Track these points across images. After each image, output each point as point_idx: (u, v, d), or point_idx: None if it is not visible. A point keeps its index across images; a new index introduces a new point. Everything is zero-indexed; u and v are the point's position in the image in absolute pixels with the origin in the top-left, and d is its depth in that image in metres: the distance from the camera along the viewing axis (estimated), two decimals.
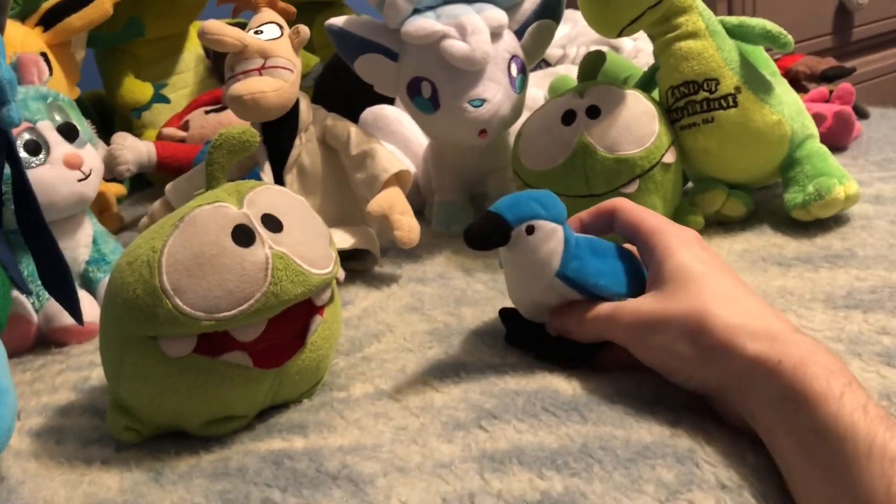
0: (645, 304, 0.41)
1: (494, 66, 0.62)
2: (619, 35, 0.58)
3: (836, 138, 0.74)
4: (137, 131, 0.95)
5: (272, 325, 0.42)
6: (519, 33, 0.65)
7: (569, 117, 0.59)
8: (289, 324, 0.44)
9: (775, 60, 0.74)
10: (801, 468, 0.33)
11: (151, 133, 0.94)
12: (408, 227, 0.60)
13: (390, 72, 0.65)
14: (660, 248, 0.42)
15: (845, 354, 0.43)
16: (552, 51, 1.19)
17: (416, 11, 0.62)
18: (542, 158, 0.60)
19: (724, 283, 0.40)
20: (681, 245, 0.42)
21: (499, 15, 0.63)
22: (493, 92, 0.62)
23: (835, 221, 0.59)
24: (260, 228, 0.42)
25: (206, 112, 0.87)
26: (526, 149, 0.62)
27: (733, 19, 0.59)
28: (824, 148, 0.61)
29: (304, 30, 0.65)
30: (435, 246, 0.67)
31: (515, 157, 0.63)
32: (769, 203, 0.63)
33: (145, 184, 0.95)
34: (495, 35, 0.62)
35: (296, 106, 0.64)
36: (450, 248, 0.67)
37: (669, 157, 0.59)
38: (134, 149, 0.81)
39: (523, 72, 0.65)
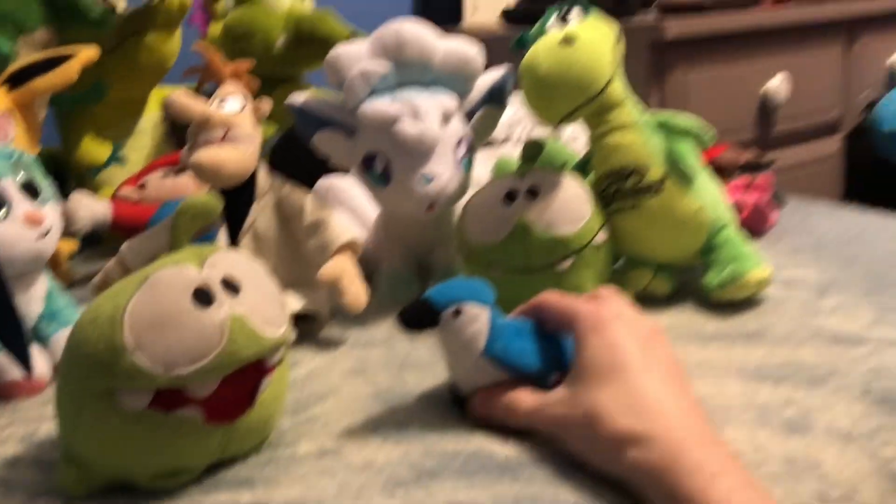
0: (553, 403, 0.45)
1: (443, 147, 0.67)
2: (558, 125, 0.63)
3: (754, 225, 0.81)
4: (92, 190, 0.96)
5: (225, 383, 0.45)
6: (467, 117, 0.70)
7: (510, 197, 0.64)
8: (241, 382, 0.46)
9: (701, 151, 0.81)
10: None
11: (107, 192, 0.96)
12: (356, 293, 0.63)
13: (346, 147, 0.69)
14: (576, 337, 0.46)
15: (754, 422, 0.47)
16: (498, 132, 1.25)
17: (373, 93, 0.67)
18: (484, 234, 0.65)
19: (625, 378, 0.43)
20: (592, 333, 0.45)
21: (449, 100, 0.68)
22: (442, 170, 0.66)
23: (750, 303, 0.65)
24: (219, 291, 0.45)
25: (164, 175, 0.90)
26: (469, 224, 0.66)
27: (660, 115, 0.65)
28: (741, 234, 0.67)
29: (267, 103, 0.69)
30: (381, 312, 0.70)
31: (459, 231, 0.67)
32: (692, 283, 0.68)
33: (96, 241, 0.96)
34: (445, 118, 0.67)
35: (254, 174, 0.67)
36: (395, 315, 0.70)
37: (601, 238, 0.63)
38: (90, 207, 0.82)
39: (470, 153, 0.70)
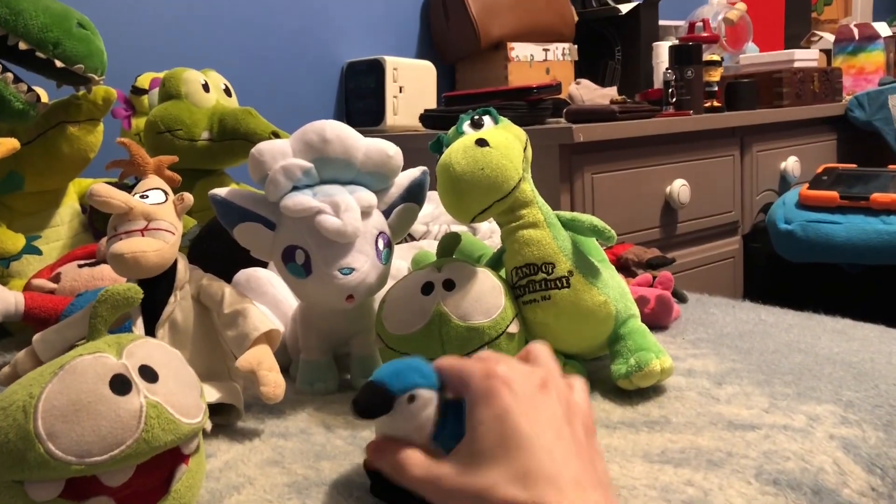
0: (445, 475, 0.44)
1: (363, 240, 0.69)
2: (472, 222, 0.67)
3: (658, 318, 0.85)
4: (4, 280, 0.95)
5: (140, 472, 0.45)
6: (386, 213, 0.73)
7: (427, 288, 0.67)
8: (155, 471, 0.46)
9: (607, 249, 0.86)
10: None
11: (18, 283, 0.94)
12: (273, 383, 0.63)
13: (267, 239, 0.70)
14: (467, 407, 0.46)
15: (657, 500, 0.50)
16: (417, 227, 1.29)
17: (295, 188, 0.69)
18: (402, 324, 0.67)
19: (515, 450, 0.43)
20: (481, 404, 0.45)
21: (369, 196, 0.71)
22: (362, 262, 0.68)
23: (654, 391, 0.68)
24: (137, 378, 0.45)
25: (80, 266, 0.89)
26: (388, 314, 0.68)
27: (567, 214, 0.70)
28: (644, 326, 0.71)
29: (188, 197, 0.70)
30: (298, 402, 0.71)
31: (379, 322, 0.69)
32: (600, 372, 0.71)
33: (4, 333, 0.94)
34: (365, 213, 0.70)
35: (174, 265, 0.68)
36: (312, 405, 0.70)
37: (514, 328, 0.66)
38: (1, 298, 0.81)
39: (389, 246, 0.72)
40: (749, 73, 2.03)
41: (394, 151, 0.73)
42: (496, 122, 0.70)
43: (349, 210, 0.68)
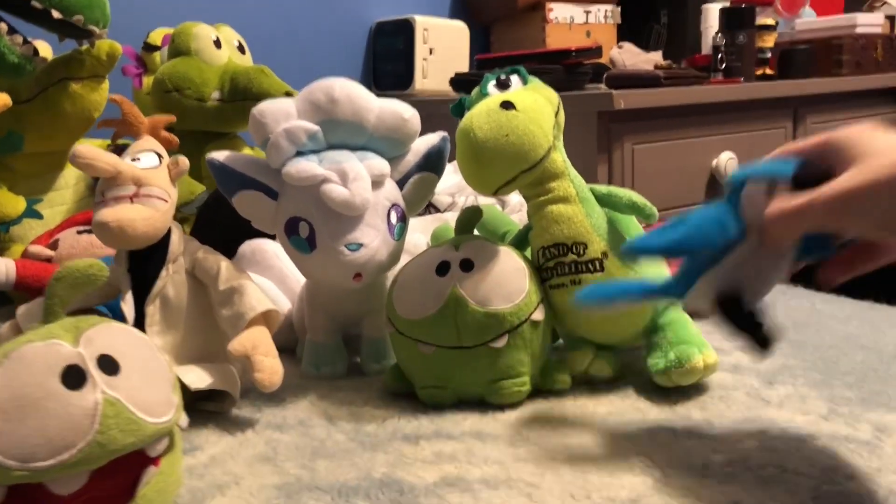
0: (840, 181, 0.40)
1: (374, 213, 0.62)
2: (495, 194, 0.59)
3: None
4: (3, 245, 0.90)
5: (96, 478, 0.39)
6: (401, 183, 0.66)
7: (443, 268, 0.60)
8: (116, 476, 0.40)
9: (646, 226, 0.77)
10: None
11: (18, 248, 0.89)
12: (270, 369, 0.57)
13: (269, 209, 0.64)
14: (841, 146, 0.42)
15: None
16: (442, 198, 1.22)
17: (300, 154, 0.63)
18: (415, 307, 0.60)
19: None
20: (860, 130, 0.42)
21: (381, 164, 0.64)
22: (371, 238, 0.62)
23: (695, 389, 0.61)
24: (94, 370, 0.39)
25: (79, 232, 0.84)
26: (400, 297, 0.61)
27: (602, 188, 0.62)
28: (686, 316, 0.63)
29: (184, 161, 0.64)
30: (301, 388, 0.65)
31: (389, 304, 0.62)
32: (634, 364, 0.64)
33: (6, 300, 0.89)
34: (376, 183, 0.63)
35: (167, 236, 0.62)
36: (316, 393, 0.64)
37: (538, 315, 0.59)
38: None
39: (403, 220, 0.65)
40: (805, 39, 1.90)
41: (410, 114, 0.65)
42: (525, 82, 0.62)
43: (358, 179, 0.61)
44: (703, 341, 0.61)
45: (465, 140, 0.58)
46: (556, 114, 0.61)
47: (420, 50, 1.62)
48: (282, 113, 0.63)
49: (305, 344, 0.70)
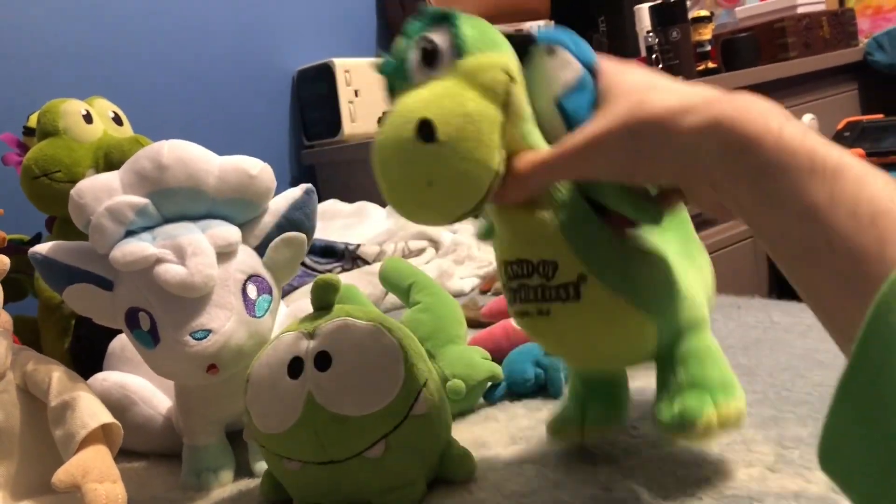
0: (586, 127, 0.39)
1: (223, 290, 0.53)
2: (455, 222, 0.45)
3: None
4: None
5: None
6: (260, 249, 0.57)
7: (295, 367, 0.48)
8: None
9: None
10: (755, 210, 0.34)
11: None
12: (105, 498, 0.48)
13: (104, 302, 0.55)
14: (602, 83, 0.41)
15: None
16: (369, 248, 1.12)
17: (130, 233, 0.54)
18: (270, 419, 0.48)
19: (654, 79, 0.40)
20: (615, 70, 0.42)
21: (227, 232, 0.54)
22: (221, 321, 0.52)
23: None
24: None
25: None
26: (254, 404, 0.49)
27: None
28: (715, 345, 0.47)
29: (3, 262, 0.55)
30: None
31: (247, 411, 0.50)
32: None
33: None
34: (224, 255, 0.54)
35: None
36: None
37: (420, 408, 0.47)
38: None
39: (268, 292, 0.56)
40: (747, 27, 1.83)
41: (258, 170, 0.56)
42: (459, 52, 0.41)
43: (198, 254, 0.52)
44: (725, 382, 0.45)
45: (381, 176, 0.41)
46: (507, 105, 0.41)
47: (344, 93, 1.53)
48: (103, 190, 0.54)
49: (183, 450, 0.60)
